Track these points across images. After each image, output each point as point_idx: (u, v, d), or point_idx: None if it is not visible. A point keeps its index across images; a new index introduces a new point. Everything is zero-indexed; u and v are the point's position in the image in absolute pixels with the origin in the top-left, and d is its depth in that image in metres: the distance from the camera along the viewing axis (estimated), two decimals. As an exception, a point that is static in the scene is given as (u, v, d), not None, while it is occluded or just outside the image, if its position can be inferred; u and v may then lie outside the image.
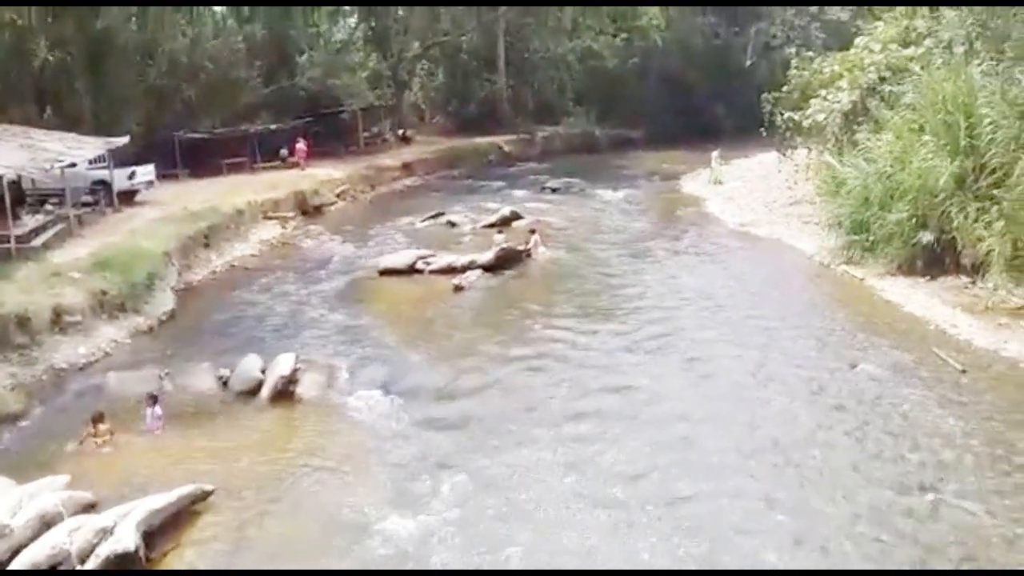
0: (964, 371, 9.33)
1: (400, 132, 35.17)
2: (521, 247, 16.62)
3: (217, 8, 30.63)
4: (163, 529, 6.81)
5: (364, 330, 12.43)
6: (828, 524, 6.59)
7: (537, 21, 38.31)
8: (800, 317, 12.17)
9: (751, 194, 22.74)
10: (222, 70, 28.13)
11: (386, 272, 15.87)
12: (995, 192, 11.84)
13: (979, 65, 13.13)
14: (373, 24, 36.03)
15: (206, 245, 17.21)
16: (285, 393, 9.74)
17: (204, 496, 7.26)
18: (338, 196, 25.39)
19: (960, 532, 6.36)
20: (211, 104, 27.94)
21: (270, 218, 20.99)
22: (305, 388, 9.95)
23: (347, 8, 36.02)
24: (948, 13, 15.41)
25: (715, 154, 26.45)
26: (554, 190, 26.69)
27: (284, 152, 27.86)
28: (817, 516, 6.71)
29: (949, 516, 6.58)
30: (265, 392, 9.80)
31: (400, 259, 16.40)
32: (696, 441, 8.16)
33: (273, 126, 28.86)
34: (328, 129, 30.76)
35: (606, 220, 21.34)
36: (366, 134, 33.22)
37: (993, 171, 11.98)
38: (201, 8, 28.94)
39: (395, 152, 32.50)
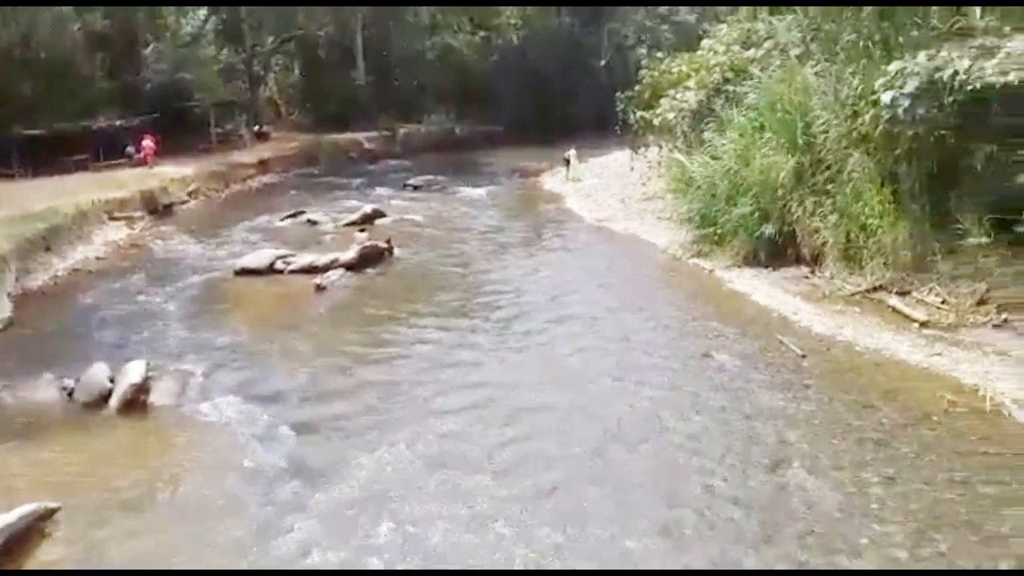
0: (804, 356, 9.93)
1: (256, 128, 34.17)
2: (384, 245, 16.51)
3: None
4: (5, 551, 6.38)
5: (220, 334, 12.00)
6: (685, 507, 6.86)
7: (395, 17, 38.03)
8: (655, 309, 12.63)
9: (607, 190, 23.41)
10: (60, 63, 26.47)
11: (243, 273, 15.39)
12: (829, 187, 12.66)
13: (814, 67, 13.98)
14: (224, 17, 34.75)
15: (47, 248, 16.17)
16: (136, 402, 9.28)
17: (50, 514, 6.83)
18: (190, 195, 24.46)
19: (805, 506, 6.75)
20: (50, 99, 26.26)
21: (116, 219, 19.97)
22: (157, 396, 9.51)
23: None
24: (786, 16, 16.31)
25: (572, 152, 27.09)
26: (416, 187, 26.66)
27: (131, 149, 26.54)
28: (674, 500, 6.98)
29: (795, 492, 6.97)
30: (114, 402, 9.30)
31: (258, 259, 15.93)
32: (558, 433, 8.32)
33: (119, 122, 27.42)
34: (179, 125, 29.49)
35: (468, 217, 21.48)
36: (219, 130, 32.11)
37: (828, 167, 12.80)
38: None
39: (251, 149, 31.55)
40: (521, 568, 6.21)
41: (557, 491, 7.21)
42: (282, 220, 20.86)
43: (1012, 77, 9.48)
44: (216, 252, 17.45)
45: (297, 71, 40.35)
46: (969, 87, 9.85)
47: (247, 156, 30.11)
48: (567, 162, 26.89)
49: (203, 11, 35.38)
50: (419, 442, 8.20)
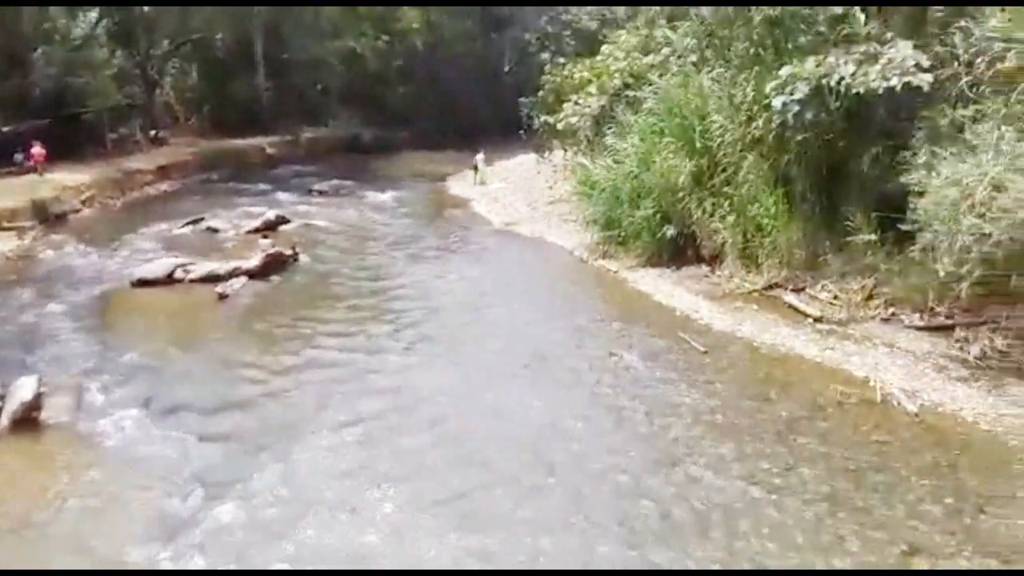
0: (706, 352, 10.24)
1: (153, 134, 33.02)
2: (288, 251, 16.23)
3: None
4: None
5: (119, 346, 11.55)
6: (594, 505, 6.99)
7: (295, 21, 37.39)
8: (562, 310, 12.79)
9: (514, 194, 23.57)
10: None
11: (141, 283, 14.86)
12: (727, 189, 13.09)
13: (709, 73, 14.42)
14: (116, 19, 33.47)
15: (-75, 262, 15.30)
16: (28, 420, 8.83)
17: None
18: (84, 203, 23.46)
19: (709, 499, 6.96)
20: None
21: (5, 229, 19.00)
22: (51, 413, 9.08)
23: None
24: (683, 23, 16.75)
25: (479, 156, 27.16)
26: (322, 192, 26.25)
27: (19, 156, 25.29)
28: (583, 498, 7.10)
29: (700, 485, 7.19)
30: (4, 421, 8.83)
31: (157, 268, 15.39)
32: (468, 437, 8.35)
33: (6, 128, 26.12)
34: (71, 131, 28.12)
35: (375, 222, 21.28)
36: (114, 136, 30.86)
37: (724, 169, 13.23)
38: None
39: (148, 155, 30.45)
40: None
41: (465, 496, 7.23)
42: (182, 228, 20.22)
43: (894, 82, 9.99)
44: (112, 262, 16.80)
45: (195, 75, 39.18)
46: (854, 92, 10.32)
47: (144, 162, 29.05)
48: (475, 167, 26.96)
49: (94, 13, 33.98)
50: (324, 452, 8.10)
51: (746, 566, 6.13)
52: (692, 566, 6.17)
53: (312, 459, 7.96)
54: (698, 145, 13.67)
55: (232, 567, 6.33)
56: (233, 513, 7.08)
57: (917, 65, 10.00)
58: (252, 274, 14.93)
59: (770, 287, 12.02)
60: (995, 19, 9.34)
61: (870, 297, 10.82)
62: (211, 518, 7.02)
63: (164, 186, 28.14)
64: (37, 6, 28.96)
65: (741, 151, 12.94)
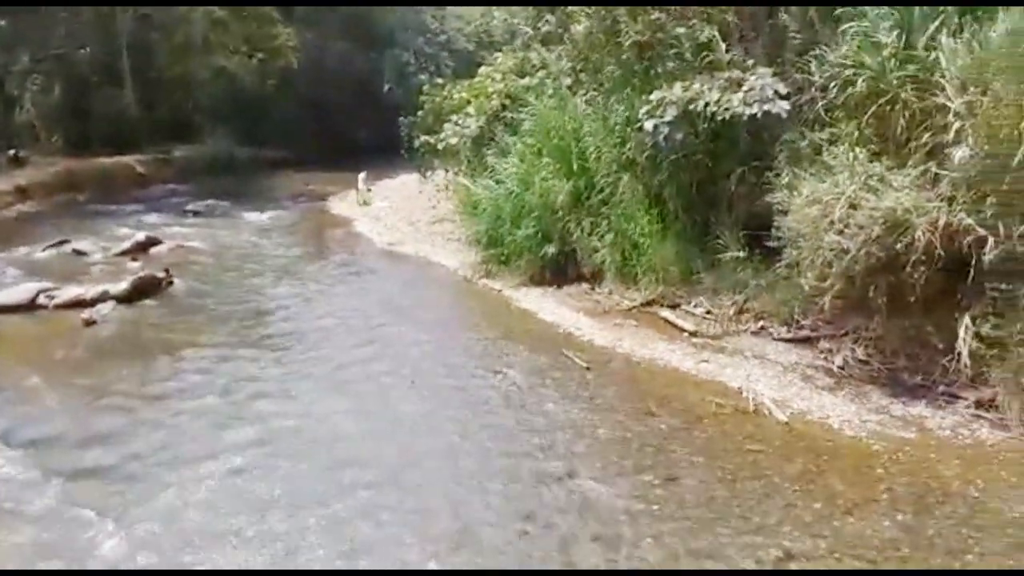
0: (589, 368, 10.48)
1: (12, 153, 31.20)
2: (161, 274, 15.62)
3: None
4: None
5: (-28, 379, 10.86)
6: (482, 524, 7.02)
7: (163, 37, 36.20)
8: (447, 330, 12.83)
9: (396, 214, 23.47)
10: None
11: (0, 310, 14.02)
12: (604, 209, 13.46)
13: (584, 95, 14.80)
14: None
15: None
16: None
17: None
18: (-71, 229, 21.94)
19: (593, 513, 7.12)
20: None
21: None
22: None
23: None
24: (557, 47, 17.15)
25: (362, 176, 26.95)
26: (196, 213, 25.40)
27: None
28: (472, 518, 7.12)
29: (584, 500, 7.34)
30: None
31: (17, 294, 14.51)
32: (354, 460, 8.25)
33: None
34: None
35: (253, 243, 20.75)
36: (-34, 156, 29.05)
37: (602, 190, 13.60)
38: None
39: (6, 175, 28.72)
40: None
41: (351, 520, 7.13)
42: (44, 251, 19.12)
43: (755, 109, 10.57)
44: (-34, 290, 15.75)
45: (58, 92, 37.26)
46: (719, 118, 10.85)
47: (1, 183, 27.42)
48: (357, 187, 26.69)
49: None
50: (203, 482, 7.82)
51: None
52: (579, 580, 6.28)
53: (192, 489, 7.68)
54: (575, 166, 14.01)
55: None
56: (108, 547, 6.76)
57: (776, 92, 10.62)
58: (121, 299, 14.28)
59: (648, 303, 12.41)
60: (846, 46, 10.00)
61: (741, 312, 11.33)
62: (85, 551, 6.68)
63: (23, 207, 26.57)
64: None
65: (616, 172, 13.34)
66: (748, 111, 10.65)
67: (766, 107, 10.57)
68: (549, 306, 13.27)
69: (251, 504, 7.41)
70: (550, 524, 6.98)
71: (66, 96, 37.00)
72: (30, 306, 14.19)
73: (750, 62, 11.54)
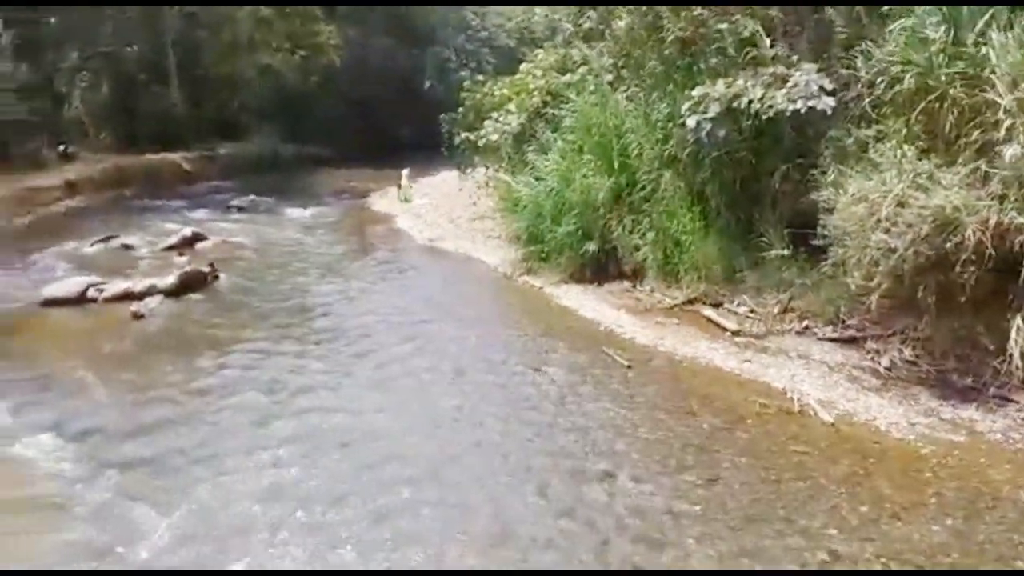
0: (630, 366, 10.42)
1: (62, 149, 31.92)
2: (206, 269, 15.86)
3: None
4: None
5: (27, 368, 11.08)
6: (523, 521, 7.03)
7: (209, 35, 36.73)
8: (488, 326, 12.84)
9: (437, 211, 23.57)
10: None
11: (50, 303, 14.32)
12: (645, 206, 13.37)
13: (625, 92, 14.71)
14: (21, 31, 32.34)
15: None
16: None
17: None
18: (-17, 222, 22.54)
19: (634, 512, 7.08)
20: None
21: None
22: (-45, 441, 8.70)
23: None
24: (598, 43, 17.08)
25: (405, 172, 27.05)
26: (240, 209, 25.78)
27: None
28: (511, 515, 7.13)
29: (625, 499, 7.30)
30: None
31: (67, 287, 14.86)
32: (395, 455, 8.30)
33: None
34: (-31, 147, 27.09)
35: (297, 239, 21.00)
36: (18, 152, 29.73)
37: (643, 187, 13.52)
38: None
39: (56, 171, 29.37)
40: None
41: (393, 515, 7.18)
42: (93, 245, 19.56)
43: (799, 105, 10.41)
44: (19, 280, 16.11)
45: (106, 89, 38.01)
46: (763, 114, 10.71)
47: (52, 179, 27.99)
48: (398, 184, 26.82)
49: (-3, 26, 32.81)
50: (246, 476, 7.94)
51: (673, 578, 6.25)
52: (620, 580, 6.25)
53: (238, 480, 7.80)
54: (616, 163, 13.94)
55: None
56: (158, 537, 6.88)
57: (821, 88, 10.45)
58: (168, 293, 14.55)
59: (690, 301, 12.31)
60: (893, 43, 9.81)
61: (785, 311, 11.19)
62: (138, 540, 6.81)
63: (73, 203, 27.18)
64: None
65: (658, 168, 13.25)
66: (792, 107, 10.49)
67: (811, 103, 10.40)
68: (590, 303, 13.23)
69: (293, 498, 7.49)
70: (590, 523, 6.96)
71: (114, 93, 37.76)
72: (80, 299, 14.51)
73: (794, 58, 11.37)
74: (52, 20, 32.48)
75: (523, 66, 21.50)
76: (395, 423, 9.17)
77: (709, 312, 11.85)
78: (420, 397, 9.94)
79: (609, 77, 15.79)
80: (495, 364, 11.00)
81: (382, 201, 27.03)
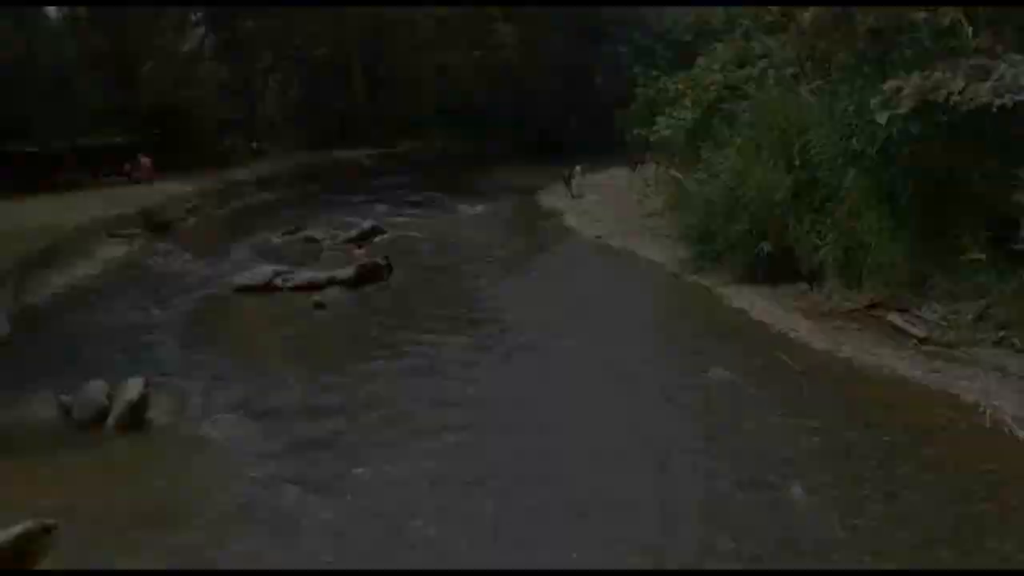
0: (804, 372, 9.98)
1: (254, 145, 34.29)
2: (382, 261, 16.56)
3: (51, 13, 29.04)
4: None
5: (219, 350, 12.03)
6: (688, 522, 6.91)
7: (391, 36, 38.27)
8: (654, 325, 12.70)
9: (605, 207, 23.49)
10: (57, 80, 26.60)
11: (242, 289, 15.45)
12: (827, 205, 12.74)
13: (808, 85, 14.09)
14: (222, 35, 35.02)
15: (45, 265, 16.20)
16: (134, 419, 9.25)
17: (46, 532, 6.77)
18: (188, 212, 24.54)
19: (807, 524, 6.79)
20: (45, 116, 26.33)
21: (115, 236, 20.01)
22: (156, 413, 9.49)
23: (194, 17, 34.85)
24: (780, 36, 16.46)
25: (577, 168, 27.05)
26: (416, 204, 26.77)
27: (128, 167, 26.64)
28: (675, 516, 7.02)
29: (797, 510, 7.02)
30: (112, 420, 9.27)
31: (256, 276, 15.99)
32: (557, 449, 8.36)
33: (117, 139, 27.55)
34: (177, 143, 29.56)
35: (468, 233, 21.57)
36: (218, 148, 32.19)
37: (825, 185, 12.89)
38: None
39: (249, 166, 31.62)
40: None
41: (556, 510, 7.22)
42: (280, 237, 20.94)
43: (1007, 99, 9.57)
44: (214, 269, 17.50)
45: (295, 88, 40.47)
46: (963, 108, 9.94)
47: (246, 173, 30.20)
48: (566, 180, 26.89)
49: (200, 29, 35.63)
50: (419, 458, 8.23)
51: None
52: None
53: (407, 464, 8.11)
54: (796, 160, 13.37)
55: (332, 564, 6.48)
56: (334, 513, 7.27)
57: (1032, 81, 9.58)
58: (347, 284, 15.34)
59: (872, 306, 11.62)
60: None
61: (980, 319, 10.35)
62: (315, 516, 7.22)
63: (264, 196, 29.14)
64: (148, 22, 30.55)
65: (842, 166, 12.58)
66: (998, 101, 9.66)
67: (1019, 97, 9.54)
68: (762, 305, 12.77)
69: (459, 483, 7.71)
70: (760, 533, 6.71)
71: (303, 92, 40.15)
72: (267, 287, 15.57)
73: (999, 48, 10.48)
74: (249, 23, 34.87)
75: (699, 60, 21.04)
76: (560, 418, 9.22)
77: (894, 317, 11.13)
78: (587, 394, 9.95)
79: (791, 70, 15.17)
80: (661, 365, 10.85)
81: (550, 197, 27.25)
